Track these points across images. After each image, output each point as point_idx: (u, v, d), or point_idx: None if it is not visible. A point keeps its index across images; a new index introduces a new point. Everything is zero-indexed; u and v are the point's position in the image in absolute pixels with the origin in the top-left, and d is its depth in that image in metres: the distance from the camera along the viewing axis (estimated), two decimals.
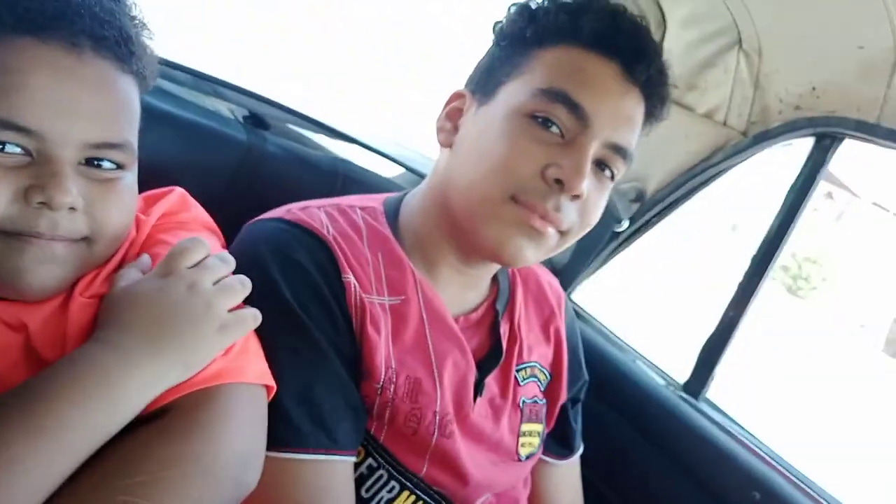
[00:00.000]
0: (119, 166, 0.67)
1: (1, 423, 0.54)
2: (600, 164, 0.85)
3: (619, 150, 0.85)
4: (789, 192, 1.26)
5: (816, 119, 1.17)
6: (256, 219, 0.90)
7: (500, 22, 0.91)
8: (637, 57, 0.84)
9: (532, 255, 0.85)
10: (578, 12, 0.84)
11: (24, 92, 0.58)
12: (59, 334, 0.66)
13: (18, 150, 0.59)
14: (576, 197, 0.82)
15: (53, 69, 0.60)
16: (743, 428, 1.28)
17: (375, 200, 0.97)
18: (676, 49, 1.27)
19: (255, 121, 1.26)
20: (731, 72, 1.24)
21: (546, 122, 0.81)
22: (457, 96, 0.93)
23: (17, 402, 0.56)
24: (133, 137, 0.68)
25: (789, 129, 1.22)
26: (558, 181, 0.80)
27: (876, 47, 0.99)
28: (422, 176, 1.50)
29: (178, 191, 0.85)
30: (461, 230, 0.88)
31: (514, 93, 0.84)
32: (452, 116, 0.92)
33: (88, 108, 0.62)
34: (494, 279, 1.03)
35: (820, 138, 1.20)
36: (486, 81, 0.88)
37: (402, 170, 1.52)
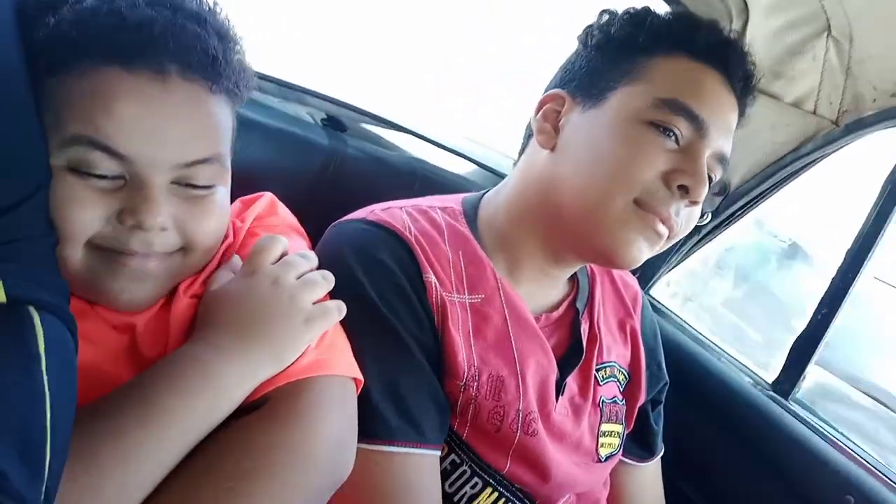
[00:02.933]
0: (209, 185, 0.68)
1: (114, 416, 0.57)
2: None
3: (723, 159, 0.88)
4: (886, 182, 1.19)
5: None
6: (340, 220, 0.92)
7: (594, 27, 0.92)
8: (739, 69, 0.88)
9: (644, 257, 0.87)
10: (692, 24, 0.88)
11: (111, 119, 0.60)
12: (162, 333, 0.69)
13: (113, 173, 0.61)
14: (693, 203, 0.85)
15: (139, 97, 0.61)
16: (836, 429, 1.23)
17: (454, 200, 0.99)
18: (761, 37, 1.22)
19: (334, 123, 1.30)
20: (820, 59, 1.19)
21: (665, 131, 0.83)
22: (553, 97, 0.93)
23: (128, 396, 0.59)
24: (225, 152, 0.70)
25: (885, 117, 1.16)
26: (681, 187, 0.83)
27: None
28: (494, 172, 1.50)
29: (268, 195, 0.88)
30: (567, 232, 0.89)
31: (630, 99, 0.85)
32: (549, 117, 0.92)
33: (177, 132, 0.63)
34: (573, 277, 1.03)
35: None
36: (589, 85, 0.89)
37: (475, 167, 1.53)
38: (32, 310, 0.51)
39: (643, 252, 0.86)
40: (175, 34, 0.62)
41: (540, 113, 0.93)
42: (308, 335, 0.69)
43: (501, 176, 1.47)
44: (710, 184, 0.89)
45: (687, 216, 0.87)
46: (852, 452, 1.15)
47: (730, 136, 0.89)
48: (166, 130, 0.63)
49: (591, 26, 0.93)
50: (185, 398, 0.60)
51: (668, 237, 0.87)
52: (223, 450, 0.61)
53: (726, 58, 0.86)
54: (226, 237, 0.77)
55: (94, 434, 0.55)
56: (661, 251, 0.90)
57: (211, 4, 0.69)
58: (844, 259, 1.23)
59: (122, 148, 0.60)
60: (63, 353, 0.52)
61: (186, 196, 0.66)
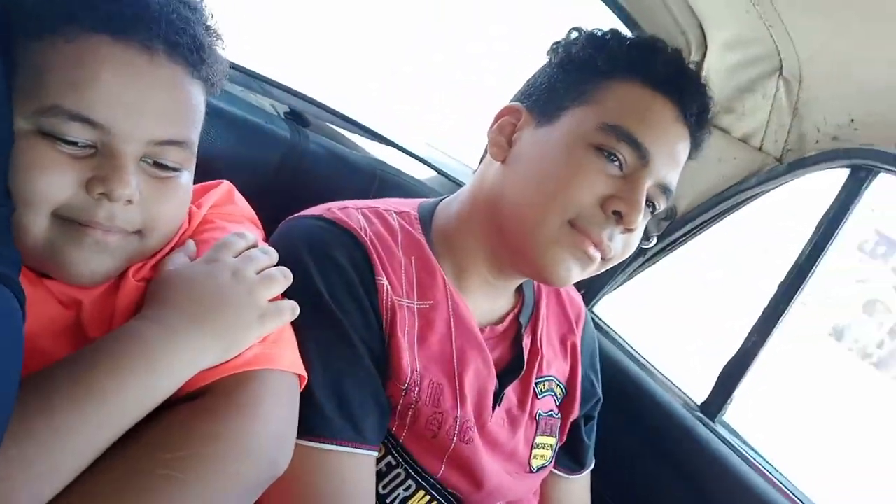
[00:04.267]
0: (177, 168, 0.69)
1: (47, 393, 0.56)
2: (647, 200, 0.88)
3: (666, 190, 0.89)
4: (821, 221, 1.25)
5: (853, 150, 1.17)
6: (296, 215, 0.92)
7: (560, 44, 0.93)
8: (694, 101, 0.88)
9: (576, 278, 0.88)
10: (651, 51, 0.88)
11: (95, 86, 0.60)
12: (107, 314, 0.69)
13: (85, 141, 0.61)
14: (628, 230, 0.86)
15: (126, 67, 0.62)
16: (758, 453, 1.28)
17: (410, 205, 0.99)
18: (716, 71, 1.27)
19: (296, 118, 1.29)
20: (770, 98, 1.24)
21: (609, 156, 0.84)
22: (510, 110, 0.94)
23: (64, 373, 0.58)
24: (195, 137, 0.71)
25: (825, 158, 1.22)
26: (616, 213, 0.84)
27: None
28: (453, 180, 1.52)
29: (226, 184, 0.88)
30: (506, 244, 0.90)
31: (580, 121, 0.86)
32: (505, 130, 0.93)
33: (156, 107, 0.64)
34: (519, 290, 1.05)
35: (855, 170, 1.19)
36: (545, 102, 0.90)
37: (434, 173, 1.54)
38: None
39: (572, 272, 0.87)
40: (168, 15, 0.64)
41: (496, 125, 0.94)
42: (259, 331, 0.70)
43: (459, 184, 1.49)
44: (653, 212, 0.91)
45: (623, 242, 0.89)
46: (773, 478, 1.20)
47: (677, 168, 0.90)
48: (146, 104, 0.63)
49: (558, 43, 0.93)
50: (123, 378, 0.59)
51: (603, 261, 0.88)
52: (159, 437, 0.61)
53: (681, 88, 0.87)
54: (182, 223, 0.77)
55: (28, 409, 0.54)
56: (600, 273, 0.92)
57: None
58: (777, 290, 1.28)
59: (101, 116, 0.61)
60: (11, 325, 0.52)
61: (153, 175, 0.67)
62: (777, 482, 1.19)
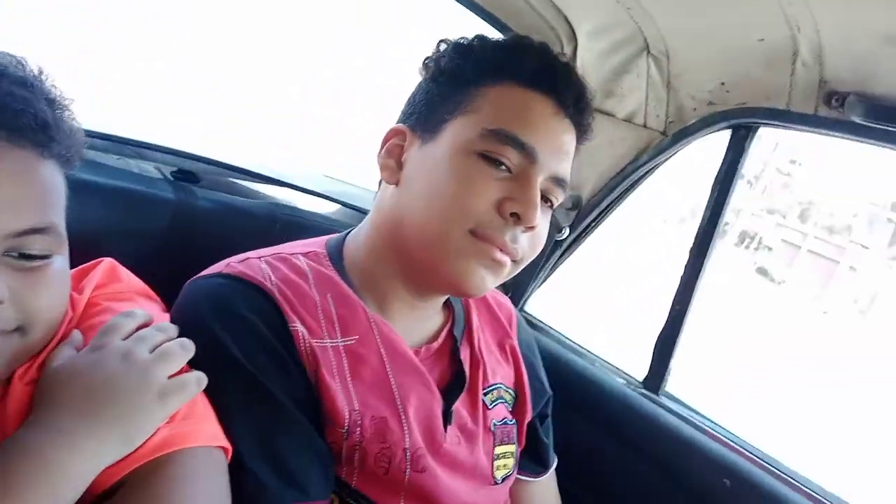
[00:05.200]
0: (46, 255, 0.64)
1: None
2: (543, 195, 0.88)
3: (560, 182, 0.90)
4: (714, 183, 1.30)
5: (730, 112, 1.23)
6: (195, 277, 0.88)
7: (431, 58, 0.93)
8: (569, 91, 0.89)
9: (491, 285, 0.88)
10: (516, 51, 0.89)
11: None
12: None
13: None
14: (530, 228, 0.86)
15: None
16: (706, 417, 1.31)
17: (316, 244, 0.96)
18: (589, 60, 1.32)
19: (185, 175, 1.23)
20: (644, 76, 1.29)
21: (496, 161, 0.84)
22: (395, 132, 0.93)
23: None
24: (59, 220, 0.66)
25: (706, 124, 1.28)
26: (514, 214, 0.84)
27: (775, 38, 1.05)
28: (356, 209, 1.49)
29: (107, 261, 0.82)
30: (417, 265, 0.89)
31: (461, 131, 0.86)
32: (393, 153, 0.92)
33: (7, 199, 0.60)
34: (447, 305, 1.04)
35: (736, 129, 1.26)
36: (426, 118, 0.90)
37: (338, 206, 1.51)
38: None
39: (486, 280, 0.86)
40: (2, 99, 0.60)
41: (384, 149, 0.93)
42: (163, 412, 0.65)
43: (365, 212, 1.46)
44: (552, 205, 0.92)
45: (529, 240, 0.89)
46: (724, 438, 1.22)
47: (566, 158, 0.90)
48: None
49: (428, 58, 0.93)
50: (19, 496, 0.54)
51: (514, 263, 0.88)
52: None
53: (553, 81, 0.88)
54: (66, 313, 0.71)
55: None
56: (519, 272, 0.92)
57: (36, 71, 0.67)
58: (689, 257, 1.33)
59: None
60: None
61: (21, 268, 0.62)
62: (728, 442, 1.22)
